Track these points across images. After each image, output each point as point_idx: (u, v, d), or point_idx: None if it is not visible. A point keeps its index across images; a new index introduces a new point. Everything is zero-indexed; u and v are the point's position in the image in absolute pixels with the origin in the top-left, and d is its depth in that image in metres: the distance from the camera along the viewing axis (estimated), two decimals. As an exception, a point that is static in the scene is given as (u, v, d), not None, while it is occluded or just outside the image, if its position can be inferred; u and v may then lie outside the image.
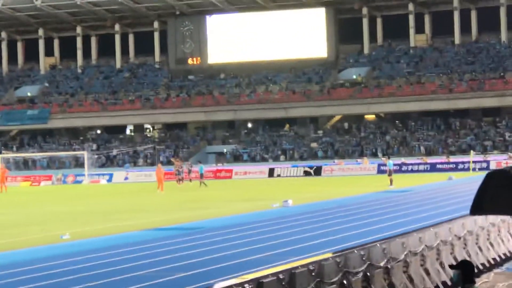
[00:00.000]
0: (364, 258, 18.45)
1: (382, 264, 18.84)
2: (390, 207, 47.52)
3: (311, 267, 16.61)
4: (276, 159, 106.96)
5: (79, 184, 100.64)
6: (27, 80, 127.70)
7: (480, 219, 25.30)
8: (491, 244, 25.24)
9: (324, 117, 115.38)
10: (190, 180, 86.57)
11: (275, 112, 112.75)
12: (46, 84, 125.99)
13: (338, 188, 68.78)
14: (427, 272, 20.71)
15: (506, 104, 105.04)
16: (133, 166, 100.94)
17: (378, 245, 19.57)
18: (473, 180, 74.59)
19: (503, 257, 25.53)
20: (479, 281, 16.57)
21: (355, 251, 18.67)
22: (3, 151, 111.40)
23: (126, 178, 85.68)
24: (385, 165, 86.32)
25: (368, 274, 18.31)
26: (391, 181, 71.97)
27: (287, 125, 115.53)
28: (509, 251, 26.15)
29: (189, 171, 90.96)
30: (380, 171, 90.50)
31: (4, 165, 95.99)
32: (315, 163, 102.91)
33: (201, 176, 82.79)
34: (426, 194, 59.10)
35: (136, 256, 29.60)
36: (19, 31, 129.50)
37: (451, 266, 14.72)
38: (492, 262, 24.32)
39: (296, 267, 16.58)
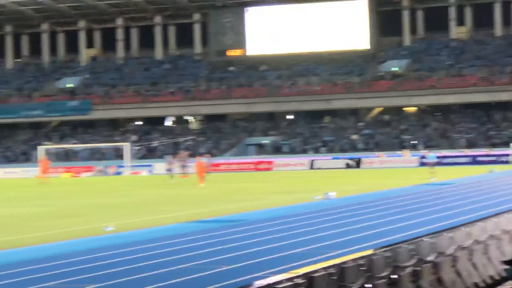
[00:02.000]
0: (412, 253, 18.35)
1: (430, 258, 18.69)
2: (433, 200, 47.25)
3: (360, 262, 16.54)
4: (316, 151, 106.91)
5: (120, 175, 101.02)
6: (68, 72, 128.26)
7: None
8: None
9: (365, 109, 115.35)
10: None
11: (316, 104, 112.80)
12: (87, 76, 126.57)
13: (379, 181, 68.57)
14: (475, 266, 20.51)
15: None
16: (173, 157, 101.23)
17: (426, 239, 19.44)
18: (515, 173, 74.57)
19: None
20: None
21: (404, 246, 18.55)
22: (44, 143, 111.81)
23: (168, 170, 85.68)
24: (426, 157, 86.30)
25: (417, 269, 18.15)
26: (432, 173, 71.78)
27: (328, 117, 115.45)
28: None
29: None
30: (421, 164, 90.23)
31: (47, 157, 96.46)
32: (355, 155, 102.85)
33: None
34: (468, 187, 58.82)
35: (180, 248, 29.56)
36: (60, 22, 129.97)
37: (505, 262, 14.67)
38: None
39: (346, 262, 16.50)
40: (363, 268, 16.35)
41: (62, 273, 24.56)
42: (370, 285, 16.15)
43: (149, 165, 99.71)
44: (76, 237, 33.82)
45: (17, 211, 49.12)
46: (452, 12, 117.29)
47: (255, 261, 25.68)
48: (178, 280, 23.12)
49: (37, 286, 22.56)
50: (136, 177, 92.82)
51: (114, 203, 54.53)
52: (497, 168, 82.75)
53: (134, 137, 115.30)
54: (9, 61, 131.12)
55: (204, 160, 78.66)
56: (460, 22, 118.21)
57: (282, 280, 14.57)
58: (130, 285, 22.62)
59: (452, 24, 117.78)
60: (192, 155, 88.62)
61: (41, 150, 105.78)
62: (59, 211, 48.14)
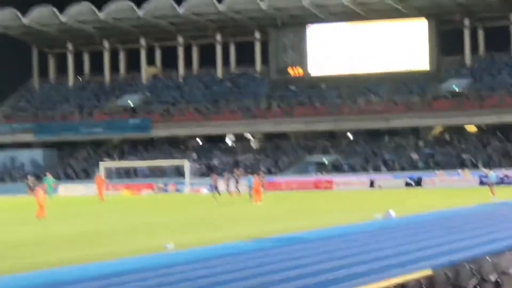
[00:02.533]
0: (474, 272, 18.44)
1: (492, 278, 18.82)
2: (494, 219, 47.14)
3: (422, 281, 16.69)
4: (376, 169, 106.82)
5: (180, 193, 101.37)
6: (129, 90, 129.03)
7: None
8: None
9: (425, 128, 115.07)
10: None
11: (376, 122, 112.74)
12: (148, 94, 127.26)
13: (440, 200, 68.41)
14: (537, 286, 20.61)
15: None
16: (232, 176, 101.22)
17: (488, 258, 19.55)
18: None
19: None
20: None
21: (466, 265, 18.67)
22: (104, 160, 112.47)
23: (214, 188, 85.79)
24: (486, 176, 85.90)
25: (479, 287, 18.30)
26: (493, 192, 71.50)
27: (388, 137, 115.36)
28: None
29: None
30: (481, 183, 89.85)
31: (102, 176, 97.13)
32: (416, 174, 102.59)
33: (250, 188, 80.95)
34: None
35: (240, 266, 29.78)
36: (121, 40, 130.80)
37: None
38: None
39: (408, 281, 16.66)
40: (426, 286, 16.54)
41: (131, 285, 25.00)
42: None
43: (210, 184, 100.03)
44: (137, 253, 34.20)
45: (79, 228, 49.57)
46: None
47: (315, 279, 25.89)
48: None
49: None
50: (196, 195, 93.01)
51: (174, 220, 54.89)
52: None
53: (194, 155, 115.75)
54: (71, 79, 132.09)
55: (259, 177, 78.70)
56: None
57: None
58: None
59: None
60: (250, 173, 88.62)
61: (101, 167, 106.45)
62: (120, 228, 48.60)
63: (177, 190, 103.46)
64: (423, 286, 16.60)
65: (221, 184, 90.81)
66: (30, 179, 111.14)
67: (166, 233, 42.79)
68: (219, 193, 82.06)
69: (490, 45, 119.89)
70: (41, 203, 59.48)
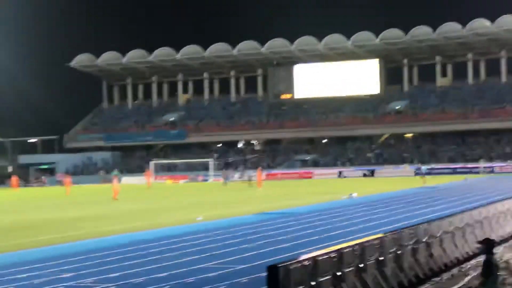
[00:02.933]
0: (412, 235, 18.54)
1: (425, 239, 18.95)
2: (425, 199, 47.44)
3: (375, 242, 16.76)
4: (343, 164, 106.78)
5: (206, 182, 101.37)
6: (170, 110, 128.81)
7: (493, 207, 25.32)
8: (501, 226, 25.18)
9: (377, 136, 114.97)
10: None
11: (343, 131, 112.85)
12: (183, 112, 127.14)
13: (387, 185, 68.54)
14: (456, 245, 20.81)
15: (506, 126, 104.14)
16: (243, 169, 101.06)
17: (422, 225, 19.65)
18: (482, 181, 74.24)
19: (510, 235, 25.42)
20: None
21: (406, 230, 18.76)
22: (153, 159, 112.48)
23: (239, 178, 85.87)
24: (419, 169, 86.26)
25: (415, 247, 18.42)
26: (423, 181, 71.72)
27: (351, 142, 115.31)
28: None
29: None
30: (416, 174, 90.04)
31: (151, 170, 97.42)
32: (370, 167, 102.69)
33: (251, 178, 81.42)
34: (450, 189, 58.85)
35: (251, 232, 30.16)
36: (164, 75, 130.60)
37: (478, 242, 14.85)
38: (502, 239, 24.24)
39: (366, 241, 16.70)
40: (377, 246, 16.63)
41: (171, 249, 25.29)
42: (382, 258, 16.54)
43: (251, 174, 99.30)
44: (177, 224, 34.51)
45: (138, 206, 49.86)
46: (438, 68, 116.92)
47: (302, 241, 26.24)
48: (251, 254, 23.65)
49: (163, 255, 23.26)
50: (217, 183, 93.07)
51: (202, 200, 55.14)
52: (470, 176, 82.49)
53: (216, 155, 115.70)
54: (129, 103, 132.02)
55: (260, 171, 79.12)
56: (444, 74, 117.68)
57: (321, 254, 14.85)
58: (218, 255, 23.19)
59: (438, 76, 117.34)
60: (255, 168, 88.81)
61: (151, 164, 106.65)
62: (166, 207, 48.88)
63: (204, 180, 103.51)
64: (377, 246, 16.70)
65: (235, 176, 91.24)
66: (101, 172, 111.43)
67: (197, 209, 43.06)
68: (226, 183, 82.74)
69: (421, 77, 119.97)
70: (116, 189, 60.05)
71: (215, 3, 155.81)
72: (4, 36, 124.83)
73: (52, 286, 18.91)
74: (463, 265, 19.93)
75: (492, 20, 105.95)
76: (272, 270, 13.11)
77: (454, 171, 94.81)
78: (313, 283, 13.82)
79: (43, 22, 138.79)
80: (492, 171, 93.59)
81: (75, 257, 24.03)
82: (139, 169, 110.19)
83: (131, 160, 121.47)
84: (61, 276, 20.40)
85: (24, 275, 20.68)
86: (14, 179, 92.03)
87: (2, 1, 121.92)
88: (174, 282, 18.90)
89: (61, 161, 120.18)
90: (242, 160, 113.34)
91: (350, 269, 15.21)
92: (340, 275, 14.80)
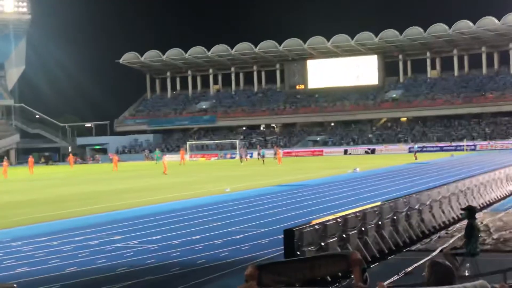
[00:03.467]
0: (405, 204, 18.57)
1: (416, 207, 18.97)
2: (417, 172, 47.32)
3: (375, 209, 16.84)
4: (348, 144, 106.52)
5: (233, 159, 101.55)
6: (203, 98, 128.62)
7: (475, 179, 25.25)
8: (481, 195, 25.14)
9: (377, 119, 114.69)
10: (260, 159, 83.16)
11: (348, 116, 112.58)
12: (214, 101, 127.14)
13: (386, 161, 68.41)
14: (443, 212, 20.77)
15: (486, 111, 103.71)
16: (264, 148, 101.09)
17: (414, 195, 19.67)
18: (467, 156, 73.96)
19: (489, 202, 25.38)
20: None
21: (401, 199, 18.77)
22: (189, 140, 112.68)
23: (261, 155, 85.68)
24: (412, 147, 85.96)
25: (409, 213, 18.44)
26: (416, 157, 71.52)
27: (355, 125, 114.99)
28: (492, 199, 25.99)
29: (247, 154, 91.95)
30: (409, 151, 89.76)
31: (185, 149, 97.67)
32: (371, 146, 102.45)
33: (263, 156, 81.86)
34: (438, 164, 58.62)
35: (270, 201, 30.25)
36: (198, 70, 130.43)
37: (462, 208, 14.84)
38: (482, 206, 24.21)
39: (366, 209, 16.78)
40: (377, 212, 16.69)
41: (203, 215, 25.44)
42: (380, 222, 16.55)
43: (251, 153, 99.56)
44: (209, 195, 34.67)
45: (178, 180, 50.02)
46: (428, 61, 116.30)
47: (314, 208, 26.30)
48: (270, 219, 23.73)
49: (197, 221, 23.39)
50: (253, 160, 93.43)
51: (230, 175, 55.20)
52: (455, 153, 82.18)
53: (241, 137, 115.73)
54: (169, 93, 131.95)
55: (279, 149, 79.45)
56: (433, 67, 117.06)
57: (329, 219, 14.92)
58: (243, 221, 23.28)
59: (428, 69, 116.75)
60: (276, 147, 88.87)
61: (187, 144, 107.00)
62: (200, 180, 48.95)
63: (231, 157, 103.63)
64: (376, 212, 16.77)
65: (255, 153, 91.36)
66: (145, 152, 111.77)
67: (225, 182, 43.19)
68: (241, 160, 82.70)
69: (414, 70, 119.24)
70: (165, 165, 60.41)
71: (239, 8, 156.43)
72: (65, 38, 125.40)
73: (104, 246, 19.07)
74: (449, 228, 19.91)
75: (474, 21, 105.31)
76: (288, 233, 13.21)
77: (442, 149, 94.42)
78: (322, 243, 13.91)
79: (96, 25, 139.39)
80: (474, 149, 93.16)
81: (122, 222, 24.21)
82: (177, 149, 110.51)
83: (170, 141, 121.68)
84: (111, 238, 20.58)
85: (81, 238, 20.87)
86: (71, 157, 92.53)
87: (65, 9, 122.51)
88: (206, 243, 19.00)
89: (112, 142, 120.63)
90: (263, 140, 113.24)
91: (354, 231, 15.30)
92: (345, 237, 14.89)
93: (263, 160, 79.41)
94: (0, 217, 27.09)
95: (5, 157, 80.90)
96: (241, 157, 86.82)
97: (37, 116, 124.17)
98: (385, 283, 5.04)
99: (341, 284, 12.09)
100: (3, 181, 56.81)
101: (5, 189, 45.39)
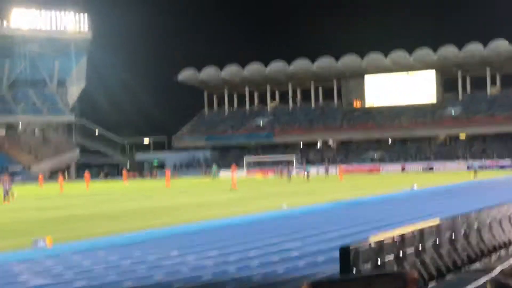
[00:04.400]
0: (463, 222, 18.31)
1: (475, 226, 18.67)
2: (476, 190, 46.67)
3: (433, 227, 16.63)
4: (406, 160, 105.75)
5: (291, 175, 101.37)
6: (260, 115, 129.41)
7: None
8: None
9: (435, 136, 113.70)
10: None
11: (405, 133, 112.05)
12: (271, 117, 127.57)
13: (444, 178, 67.68)
14: (503, 230, 20.37)
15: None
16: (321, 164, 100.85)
17: (472, 214, 19.35)
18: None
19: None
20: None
21: (459, 217, 18.52)
22: (247, 156, 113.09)
23: (319, 172, 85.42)
24: (472, 165, 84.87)
25: (466, 230, 18.17)
26: (475, 175, 70.54)
27: (411, 142, 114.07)
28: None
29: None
30: (468, 168, 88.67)
31: (235, 165, 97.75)
32: (430, 163, 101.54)
33: (308, 173, 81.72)
34: (498, 182, 57.65)
35: (327, 218, 30.09)
36: (255, 87, 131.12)
37: None
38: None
39: (426, 226, 16.59)
40: (434, 230, 16.50)
41: (261, 231, 25.41)
42: (439, 241, 16.36)
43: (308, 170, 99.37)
44: (265, 210, 34.65)
45: (238, 195, 50.12)
46: (488, 78, 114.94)
47: (371, 226, 26.07)
48: (327, 236, 23.58)
49: (254, 237, 23.40)
50: (300, 177, 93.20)
51: (287, 191, 55.20)
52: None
53: (298, 153, 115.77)
54: (226, 110, 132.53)
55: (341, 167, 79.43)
56: (493, 83, 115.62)
57: (386, 237, 14.75)
58: (297, 239, 23.21)
59: (488, 85, 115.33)
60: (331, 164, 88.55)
61: (245, 160, 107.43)
62: (257, 196, 49.00)
63: (289, 174, 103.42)
64: (434, 230, 16.58)
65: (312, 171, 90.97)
66: (203, 167, 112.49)
67: (282, 198, 43.16)
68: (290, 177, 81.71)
69: (473, 87, 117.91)
70: (234, 181, 60.60)
71: (296, 24, 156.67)
72: (124, 56, 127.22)
73: (162, 262, 19.20)
74: (509, 247, 19.58)
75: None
76: (344, 250, 13.13)
77: (502, 167, 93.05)
78: (379, 261, 13.80)
79: (155, 43, 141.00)
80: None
81: (180, 238, 24.33)
82: (236, 165, 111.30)
83: (227, 157, 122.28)
84: (168, 254, 20.71)
85: (139, 253, 21.05)
86: (125, 173, 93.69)
87: (124, 28, 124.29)
88: (262, 261, 18.99)
89: (169, 158, 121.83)
90: (320, 157, 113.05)
91: (411, 250, 15.15)
92: (402, 255, 14.75)
93: (308, 177, 79.35)
94: (60, 230, 27.52)
95: (60, 173, 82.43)
96: (289, 174, 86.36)
97: (96, 133, 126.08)
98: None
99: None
100: (59, 196, 57.73)
101: (62, 204, 46.12)
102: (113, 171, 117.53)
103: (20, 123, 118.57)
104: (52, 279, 16.97)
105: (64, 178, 69.61)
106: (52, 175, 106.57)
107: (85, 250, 21.80)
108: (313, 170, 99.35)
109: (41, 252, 21.65)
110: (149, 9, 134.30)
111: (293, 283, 15.19)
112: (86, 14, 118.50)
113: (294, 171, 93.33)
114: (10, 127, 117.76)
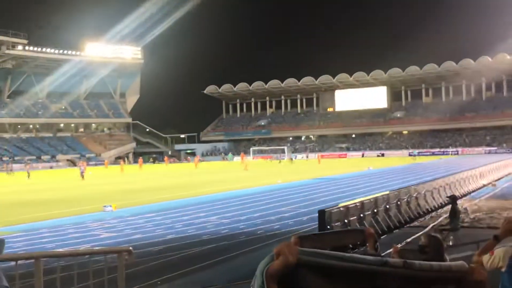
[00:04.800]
0: (405, 192, 18.29)
1: (414, 195, 18.64)
2: (416, 170, 46.30)
3: (384, 196, 16.59)
4: (365, 149, 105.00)
5: (283, 160, 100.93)
6: (261, 117, 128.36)
7: (457, 176, 24.67)
8: (461, 187, 24.57)
9: (385, 132, 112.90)
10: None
11: (363, 129, 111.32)
12: (269, 119, 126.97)
13: (392, 162, 67.19)
14: (434, 198, 20.27)
15: (466, 126, 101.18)
16: (301, 152, 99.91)
17: (412, 186, 19.32)
18: (451, 159, 71.87)
19: (467, 192, 24.80)
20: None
21: (402, 189, 18.47)
22: (252, 147, 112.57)
23: (303, 157, 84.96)
24: (412, 152, 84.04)
25: (408, 199, 18.14)
26: (414, 160, 69.74)
27: (361, 136, 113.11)
28: (470, 190, 25.37)
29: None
30: (409, 155, 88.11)
31: (244, 152, 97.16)
32: (382, 151, 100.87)
33: (291, 159, 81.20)
34: (431, 165, 57.07)
35: (310, 189, 29.95)
36: (258, 98, 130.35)
37: (447, 196, 14.58)
38: (462, 194, 23.66)
39: (377, 196, 16.50)
40: (385, 198, 16.48)
41: (261, 200, 25.36)
42: (388, 206, 16.30)
43: (295, 155, 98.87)
44: (263, 185, 34.53)
45: (246, 174, 50.01)
46: (423, 91, 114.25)
47: (340, 195, 26.00)
48: (309, 202, 23.44)
49: (257, 203, 23.35)
50: (292, 161, 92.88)
51: (280, 170, 54.94)
52: (443, 157, 79.97)
53: (288, 144, 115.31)
54: (238, 114, 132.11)
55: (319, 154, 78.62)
56: (427, 95, 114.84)
57: (351, 203, 14.78)
58: (290, 203, 23.12)
59: (423, 95, 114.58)
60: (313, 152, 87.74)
61: (251, 149, 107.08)
62: (256, 176, 48.73)
63: (282, 158, 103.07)
64: (383, 199, 16.52)
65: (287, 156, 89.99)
66: (222, 154, 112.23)
67: (277, 176, 43.09)
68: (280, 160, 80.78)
69: (413, 97, 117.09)
70: (246, 164, 60.24)
71: (287, 53, 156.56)
72: (166, 75, 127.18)
73: (193, 220, 19.22)
74: (438, 211, 19.54)
75: (457, 61, 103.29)
76: (321, 213, 13.12)
77: (433, 154, 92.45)
78: (346, 221, 13.79)
79: (188, 67, 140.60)
80: (457, 153, 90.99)
81: (205, 204, 24.36)
82: (244, 153, 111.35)
83: (239, 147, 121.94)
84: (198, 215, 20.73)
85: (177, 214, 21.07)
86: (166, 158, 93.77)
87: (166, 54, 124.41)
88: (263, 219, 19.01)
89: (199, 148, 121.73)
90: (304, 147, 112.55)
91: (368, 212, 15.13)
92: (362, 216, 14.73)
93: (292, 160, 79.03)
94: (122, 199, 27.60)
95: (121, 159, 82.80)
96: (277, 158, 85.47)
97: (147, 130, 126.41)
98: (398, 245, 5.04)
99: (359, 250, 11.96)
100: (120, 175, 57.82)
101: (123, 180, 46.19)
102: (159, 157, 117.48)
103: (93, 123, 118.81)
104: (116, 233, 17.04)
105: (124, 162, 69.41)
106: (116, 160, 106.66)
107: (139, 213, 21.87)
108: (299, 156, 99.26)
109: (108, 214, 21.72)
110: (183, 42, 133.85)
111: (286, 236, 15.23)
112: (139, 47, 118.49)
113: (287, 156, 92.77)
114: (87, 126, 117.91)
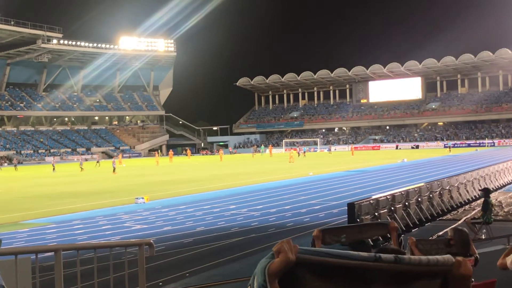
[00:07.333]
0: (439, 184, 18.00)
1: (447, 187, 18.40)
2: (450, 162, 45.68)
3: (416, 189, 16.42)
4: (399, 141, 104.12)
5: (315, 152, 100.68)
6: (294, 109, 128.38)
7: (492, 168, 24.22)
8: (496, 179, 24.14)
9: (420, 124, 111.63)
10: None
11: (399, 121, 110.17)
12: (302, 111, 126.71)
13: (426, 154, 66.46)
14: (467, 191, 19.95)
15: (502, 117, 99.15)
16: (335, 144, 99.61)
17: (445, 179, 19.04)
18: (487, 151, 70.75)
19: (502, 185, 24.34)
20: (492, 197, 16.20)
21: (436, 182, 18.23)
22: (284, 139, 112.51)
23: (329, 150, 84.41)
24: (447, 144, 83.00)
25: (440, 191, 17.89)
26: (449, 151, 68.82)
27: (400, 127, 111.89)
28: (504, 183, 24.89)
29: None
30: (445, 147, 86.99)
31: (272, 145, 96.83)
32: (416, 143, 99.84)
33: (304, 152, 79.16)
34: (466, 156, 56.25)
35: (341, 182, 29.81)
36: (290, 89, 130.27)
37: (480, 189, 14.36)
38: (496, 187, 23.23)
39: (408, 189, 16.34)
40: (417, 191, 16.29)
41: (293, 192, 25.33)
42: (420, 199, 16.12)
43: (327, 147, 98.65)
44: (295, 177, 34.46)
45: (279, 166, 50.00)
46: (459, 82, 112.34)
47: (371, 188, 25.79)
48: (340, 195, 23.38)
49: (288, 195, 23.32)
50: (322, 153, 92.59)
51: (313, 163, 54.83)
52: (479, 148, 78.76)
53: (321, 136, 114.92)
54: (270, 106, 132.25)
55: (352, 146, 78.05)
56: (463, 85, 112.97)
57: (381, 196, 14.65)
58: (321, 196, 23.06)
59: (459, 86, 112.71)
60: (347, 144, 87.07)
61: (283, 141, 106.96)
62: (288, 167, 48.80)
63: (314, 151, 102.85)
64: (415, 192, 16.33)
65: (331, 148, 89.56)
66: (253, 147, 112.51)
67: (309, 168, 42.98)
68: (298, 154, 78.00)
69: (448, 87, 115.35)
70: (291, 156, 60.01)
71: (320, 45, 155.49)
72: (199, 68, 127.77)
73: (223, 213, 19.32)
74: (471, 204, 19.23)
75: (493, 51, 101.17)
76: (351, 205, 13.05)
77: (469, 145, 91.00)
78: (376, 214, 13.69)
79: (220, 60, 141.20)
80: (493, 145, 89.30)
81: (235, 196, 24.46)
82: (276, 145, 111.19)
83: (271, 139, 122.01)
84: (228, 207, 20.83)
85: (208, 206, 21.20)
86: (189, 151, 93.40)
87: (199, 47, 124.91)
88: (293, 211, 18.99)
89: (231, 140, 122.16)
90: (336, 139, 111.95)
91: (399, 205, 14.99)
92: (393, 209, 14.60)
93: (304, 155, 77.50)
94: (154, 191, 27.90)
95: (156, 151, 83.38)
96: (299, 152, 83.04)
97: (180, 122, 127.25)
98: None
99: (383, 244, 11.89)
100: (155, 167, 58.41)
101: (156, 172, 46.67)
102: (192, 148, 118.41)
103: (127, 116, 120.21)
104: (148, 224, 17.25)
105: (158, 154, 69.71)
106: (149, 152, 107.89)
107: (171, 205, 22.08)
108: (333, 148, 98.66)
109: (141, 206, 22.00)
110: (215, 35, 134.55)
111: (314, 229, 15.17)
112: (172, 40, 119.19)
113: (299, 150, 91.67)
114: (121, 119, 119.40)
